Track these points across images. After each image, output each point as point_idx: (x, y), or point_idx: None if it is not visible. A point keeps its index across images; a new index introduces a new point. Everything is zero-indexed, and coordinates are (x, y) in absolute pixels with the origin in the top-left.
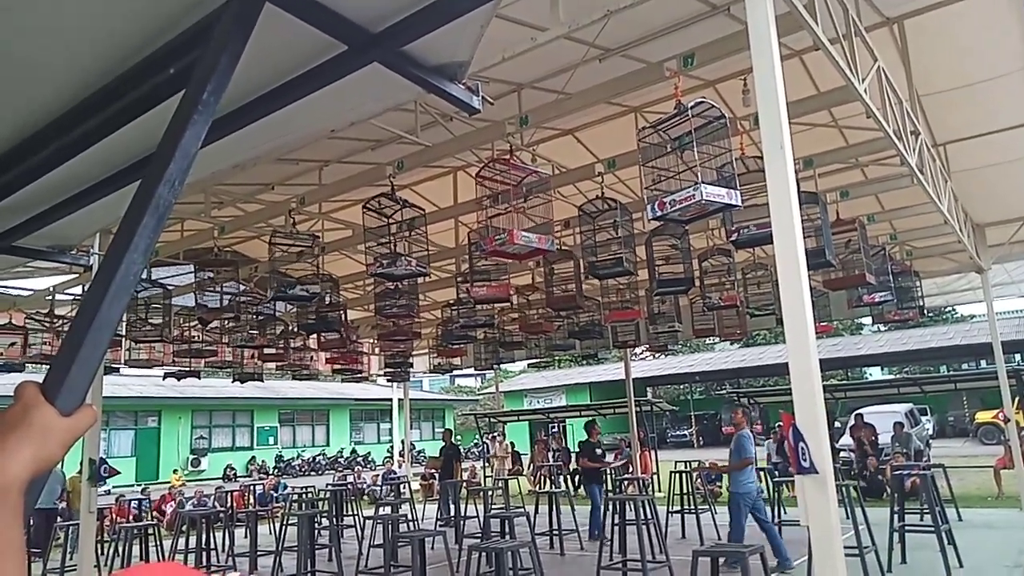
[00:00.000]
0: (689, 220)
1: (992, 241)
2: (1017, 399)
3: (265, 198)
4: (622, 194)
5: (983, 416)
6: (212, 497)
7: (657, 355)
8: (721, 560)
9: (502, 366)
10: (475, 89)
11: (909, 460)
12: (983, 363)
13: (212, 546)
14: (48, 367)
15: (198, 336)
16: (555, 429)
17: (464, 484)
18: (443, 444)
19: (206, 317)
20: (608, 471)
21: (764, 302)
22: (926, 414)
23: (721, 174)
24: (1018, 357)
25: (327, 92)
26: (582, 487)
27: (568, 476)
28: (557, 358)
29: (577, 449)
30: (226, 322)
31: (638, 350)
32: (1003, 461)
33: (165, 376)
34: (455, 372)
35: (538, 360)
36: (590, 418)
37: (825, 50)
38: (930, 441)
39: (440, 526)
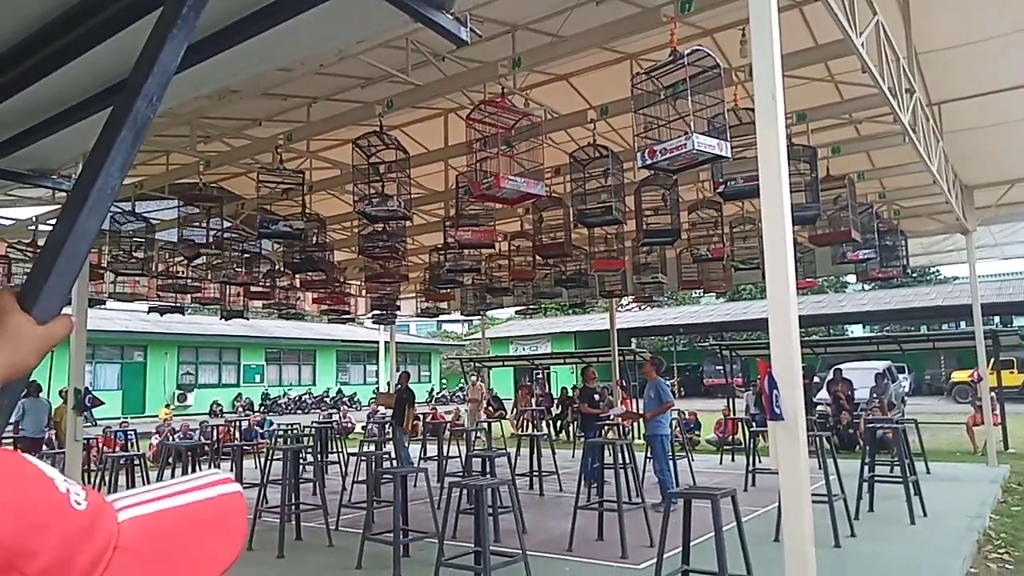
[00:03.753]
0: (679, 170)
1: (979, 203)
2: (992, 360)
3: (252, 133)
4: (614, 143)
5: (959, 376)
6: (198, 431)
7: (643, 306)
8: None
9: (489, 313)
10: (463, 20)
11: (885, 411)
12: (963, 324)
13: None
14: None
15: (183, 272)
16: (539, 375)
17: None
18: (398, 386)
19: (187, 253)
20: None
21: (750, 256)
22: (904, 372)
23: (713, 124)
24: (996, 319)
25: (313, 16)
26: (581, 432)
27: (550, 421)
28: (544, 306)
29: (576, 395)
30: (212, 258)
31: (624, 301)
32: (974, 419)
33: (149, 310)
34: (442, 317)
35: (525, 307)
36: (587, 364)
37: (824, 1)
38: (905, 398)
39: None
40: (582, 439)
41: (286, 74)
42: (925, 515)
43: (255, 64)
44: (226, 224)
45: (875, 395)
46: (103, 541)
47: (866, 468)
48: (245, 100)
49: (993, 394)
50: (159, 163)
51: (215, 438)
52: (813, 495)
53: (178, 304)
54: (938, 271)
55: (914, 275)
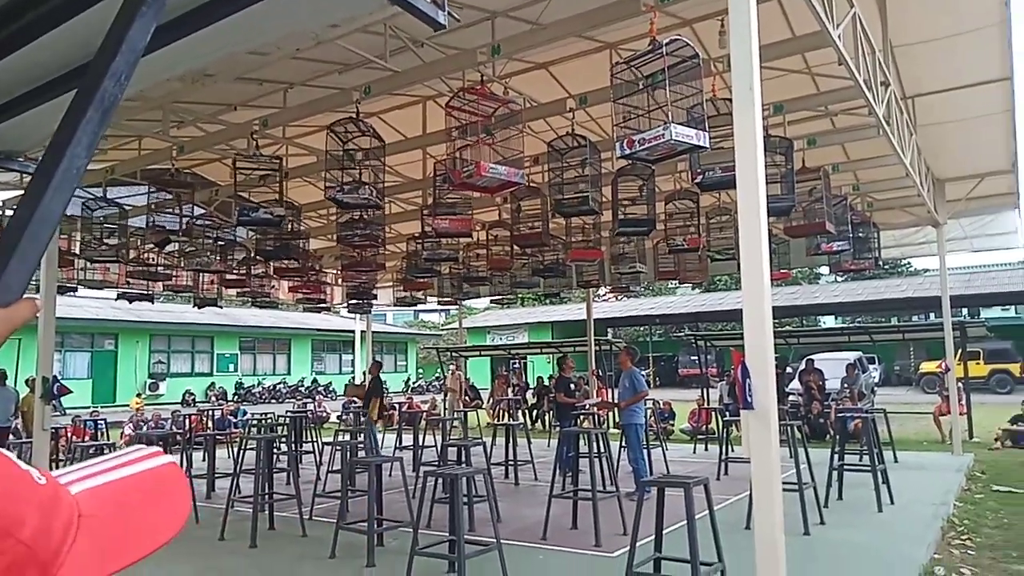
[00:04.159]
0: (657, 160)
1: (950, 196)
2: (959, 351)
3: (227, 118)
4: (593, 132)
5: (927, 366)
6: (170, 420)
7: (619, 296)
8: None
9: (466, 302)
10: (441, 4)
11: (855, 401)
12: (932, 316)
13: None
14: None
15: (155, 259)
16: (516, 365)
17: (390, 419)
18: (369, 376)
19: (155, 239)
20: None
21: (726, 246)
22: (874, 362)
23: (691, 115)
24: (965, 311)
25: None
26: (557, 421)
27: (526, 410)
28: (521, 296)
29: (552, 385)
30: (185, 246)
31: (601, 291)
32: (940, 409)
33: (118, 297)
34: (419, 307)
35: (502, 297)
36: (564, 354)
37: None
38: (875, 388)
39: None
40: (558, 428)
41: (262, 58)
42: (892, 503)
43: (228, 45)
44: (199, 211)
45: (846, 385)
46: (68, 510)
47: (836, 457)
48: (219, 84)
49: (960, 384)
50: (131, 148)
51: (187, 427)
52: (784, 483)
53: (149, 292)
54: (909, 263)
55: (886, 267)
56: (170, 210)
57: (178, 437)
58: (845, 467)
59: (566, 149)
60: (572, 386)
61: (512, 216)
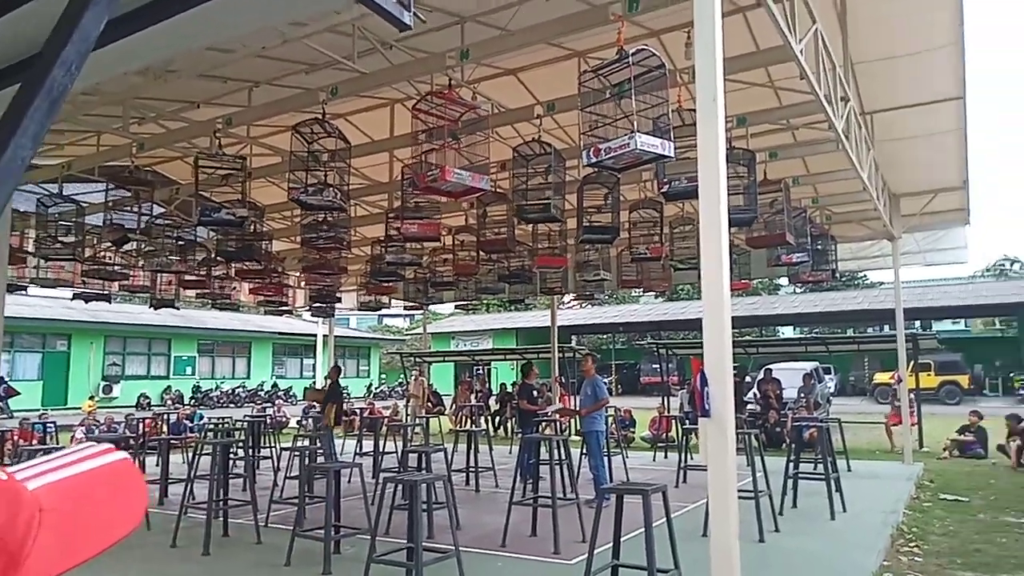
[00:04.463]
0: (623, 168)
1: (905, 211)
2: (912, 363)
3: (189, 116)
4: (560, 140)
5: (881, 377)
6: (123, 424)
7: (584, 304)
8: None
9: (431, 308)
10: (407, 4)
11: (811, 411)
12: (886, 328)
13: None
14: None
15: (111, 258)
16: (479, 371)
17: (351, 425)
18: (328, 381)
19: (110, 237)
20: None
21: (688, 255)
22: (830, 372)
23: (657, 125)
24: (918, 324)
25: None
26: (519, 428)
27: (489, 417)
28: (486, 302)
29: (515, 391)
30: (142, 245)
31: (566, 299)
32: (894, 418)
33: (73, 297)
34: (383, 311)
35: (467, 303)
36: (528, 361)
37: (766, 6)
38: (831, 398)
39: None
40: (519, 435)
41: (226, 55)
42: (845, 511)
43: (188, 39)
44: (159, 210)
45: (802, 395)
46: (30, 504)
47: (791, 465)
48: (182, 80)
49: (911, 395)
50: (89, 143)
51: (141, 432)
52: (740, 491)
53: (105, 291)
54: (865, 276)
55: (843, 279)
56: (129, 208)
57: (131, 441)
58: (800, 475)
59: (532, 155)
60: (535, 393)
61: (478, 221)
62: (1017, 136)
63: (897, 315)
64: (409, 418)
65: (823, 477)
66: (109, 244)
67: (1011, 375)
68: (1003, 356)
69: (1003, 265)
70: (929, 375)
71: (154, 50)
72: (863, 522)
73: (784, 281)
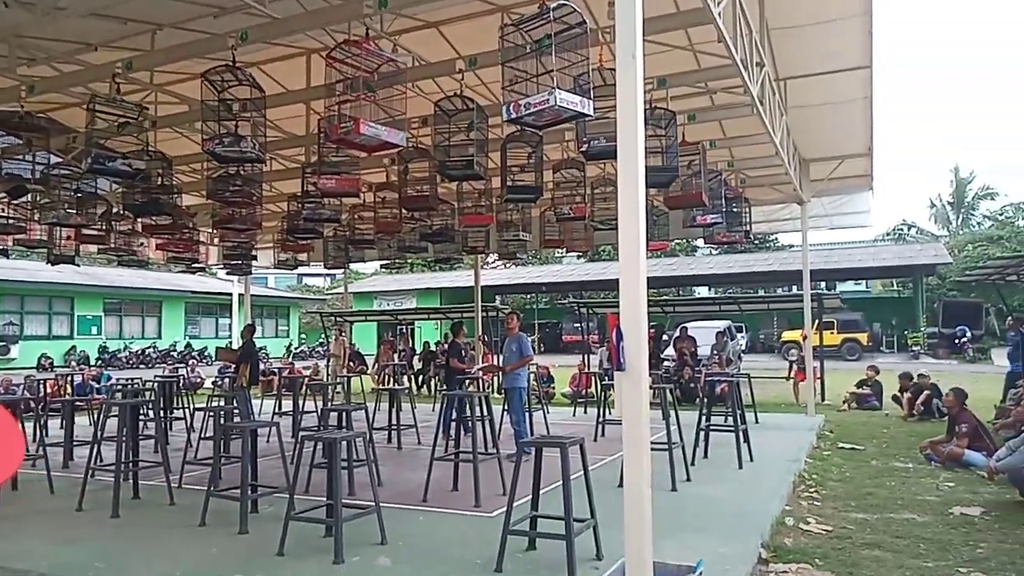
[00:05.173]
0: (544, 126)
1: (814, 176)
2: (816, 322)
3: (87, 59)
4: (483, 97)
5: (788, 335)
6: (22, 385)
7: (507, 263)
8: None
9: (353, 267)
10: None
11: (723, 367)
12: (795, 288)
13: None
14: None
15: (5, 210)
16: (403, 330)
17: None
18: (242, 340)
19: (4, 188)
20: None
21: (609, 216)
22: (741, 331)
23: (578, 83)
24: (823, 285)
25: None
26: (445, 385)
27: (412, 376)
28: (410, 261)
29: (443, 350)
30: (38, 196)
31: (490, 259)
32: (800, 376)
33: None
34: (302, 271)
35: (390, 262)
36: (457, 321)
37: None
38: (742, 355)
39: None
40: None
41: None
42: (752, 460)
43: None
44: (55, 159)
45: (715, 352)
46: None
47: (703, 418)
48: (74, 20)
49: (814, 351)
50: None
51: (43, 394)
52: (654, 443)
53: (1, 247)
54: (776, 239)
55: (756, 241)
56: (22, 157)
57: (31, 403)
58: (711, 428)
59: (454, 111)
60: (463, 352)
61: (400, 178)
62: (916, 104)
63: (804, 276)
64: (330, 378)
65: (733, 429)
66: (2, 195)
67: (906, 333)
68: (900, 315)
69: (902, 230)
70: (832, 333)
71: None
72: (768, 470)
73: (701, 243)
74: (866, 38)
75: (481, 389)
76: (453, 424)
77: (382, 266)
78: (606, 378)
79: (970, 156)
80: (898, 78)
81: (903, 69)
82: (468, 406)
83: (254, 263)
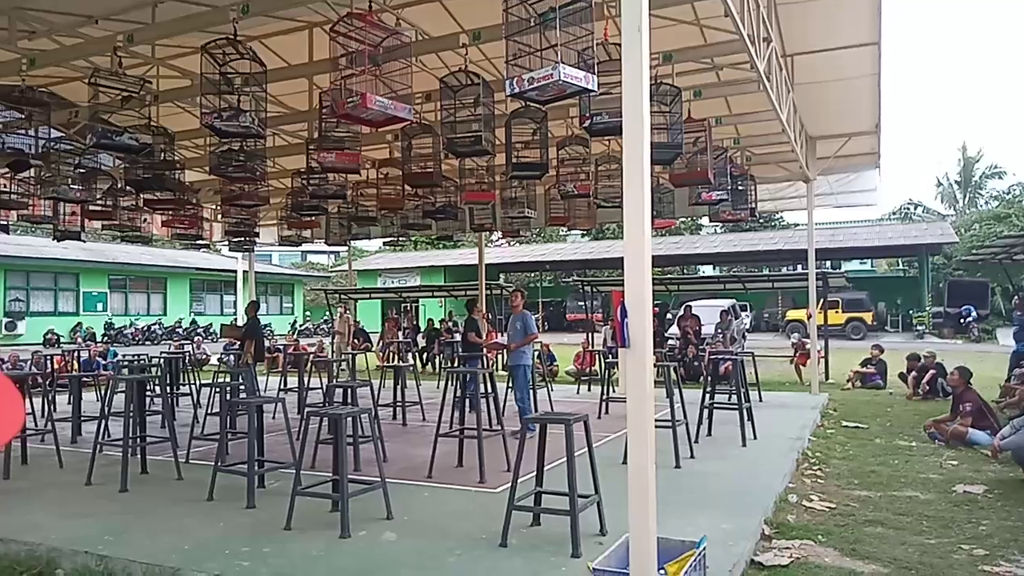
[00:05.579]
0: (548, 101)
1: (820, 154)
2: (821, 301)
3: (87, 32)
4: (488, 72)
5: (793, 314)
6: (30, 361)
7: (511, 241)
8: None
9: (357, 245)
10: None
11: (727, 345)
12: (800, 267)
13: (29, 411)
14: None
15: (8, 185)
16: (407, 308)
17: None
18: (247, 318)
19: (6, 162)
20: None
21: (613, 194)
22: (746, 309)
23: (583, 57)
24: (828, 263)
25: None
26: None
27: (416, 353)
28: (414, 239)
29: (448, 328)
30: (40, 171)
31: (494, 236)
32: (802, 359)
33: None
34: (306, 248)
35: (393, 239)
36: (473, 298)
37: None
38: (746, 334)
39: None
40: (447, 369)
41: None
42: (755, 438)
43: None
44: (58, 134)
45: (719, 330)
46: None
47: (707, 396)
48: None
49: (819, 330)
50: None
51: (50, 369)
52: (658, 421)
53: (3, 221)
54: (782, 217)
55: (760, 220)
56: (24, 131)
57: (38, 379)
58: (715, 406)
59: (459, 87)
60: (478, 327)
61: (403, 154)
62: (925, 82)
63: (809, 255)
64: (335, 355)
65: (736, 407)
66: (5, 169)
67: (911, 312)
68: (904, 294)
69: (908, 209)
70: (837, 312)
71: None
72: (772, 448)
73: (706, 221)
74: (874, 13)
75: (485, 366)
76: (465, 400)
77: (385, 243)
78: (610, 356)
79: (978, 135)
80: (906, 55)
81: (912, 46)
82: (473, 382)
83: (259, 240)
